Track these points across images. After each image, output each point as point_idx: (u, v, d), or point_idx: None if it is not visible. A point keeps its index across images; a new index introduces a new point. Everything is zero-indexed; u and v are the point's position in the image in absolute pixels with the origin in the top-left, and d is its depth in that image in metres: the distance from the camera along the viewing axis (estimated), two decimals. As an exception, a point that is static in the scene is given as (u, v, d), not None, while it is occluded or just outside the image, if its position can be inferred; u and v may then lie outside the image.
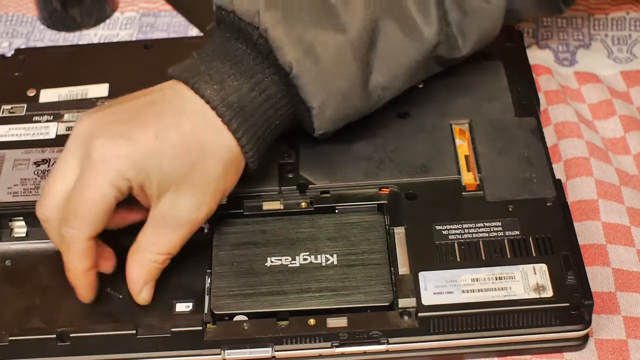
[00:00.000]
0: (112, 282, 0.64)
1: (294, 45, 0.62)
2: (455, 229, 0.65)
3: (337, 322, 0.61)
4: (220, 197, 0.63)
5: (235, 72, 0.62)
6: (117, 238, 0.64)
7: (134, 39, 0.87)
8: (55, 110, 0.75)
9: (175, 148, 0.60)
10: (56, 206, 0.61)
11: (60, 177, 0.61)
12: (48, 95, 0.76)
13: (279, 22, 0.62)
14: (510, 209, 0.66)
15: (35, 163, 0.70)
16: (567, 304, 0.60)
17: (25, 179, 0.69)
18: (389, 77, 0.66)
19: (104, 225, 0.60)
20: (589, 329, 0.62)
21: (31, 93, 0.77)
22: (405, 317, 0.61)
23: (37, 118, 0.74)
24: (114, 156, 0.59)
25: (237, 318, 0.62)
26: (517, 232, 0.64)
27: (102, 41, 0.87)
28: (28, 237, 0.68)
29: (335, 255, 0.64)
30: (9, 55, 0.81)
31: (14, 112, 0.75)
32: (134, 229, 0.63)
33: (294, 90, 0.63)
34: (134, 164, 0.59)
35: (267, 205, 0.67)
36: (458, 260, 0.63)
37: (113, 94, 0.76)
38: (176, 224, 0.61)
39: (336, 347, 0.61)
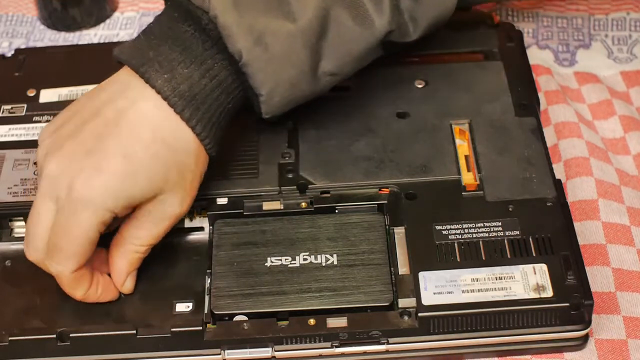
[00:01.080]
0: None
1: (244, 34, 0.62)
2: (455, 229, 0.65)
3: (337, 322, 0.61)
4: (198, 183, 0.64)
5: (185, 59, 0.62)
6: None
7: (134, 39, 0.87)
8: (55, 110, 0.74)
9: (144, 160, 0.60)
10: (44, 247, 0.61)
11: (41, 220, 0.61)
12: (48, 95, 0.76)
13: (230, 8, 0.61)
14: (510, 209, 0.66)
15: (35, 163, 0.70)
16: (567, 304, 0.60)
17: (25, 179, 0.69)
18: (338, 64, 0.66)
19: (90, 255, 0.61)
20: (589, 329, 0.62)
21: (31, 93, 0.77)
22: (405, 317, 0.61)
23: (37, 118, 0.74)
24: (91, 192, 0.59)
25: (237, 318, 0.62)
26: (517, 232, 0.64)
27: (102, 41, 0.87)
28: (28, 237, 0.68)
29: (335, 255, 0.64)
30: (9, 55, 0.81)
31: (14, 112, 0.75)
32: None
33: (244, 77, 0.63)
34: (112, 194, 0.60)
35: (267, 205, 0.67)
36: (458, 260, 0.63)
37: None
38: (161, 218, 0.62)
39: (336, 347, 0.61)
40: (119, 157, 0.60)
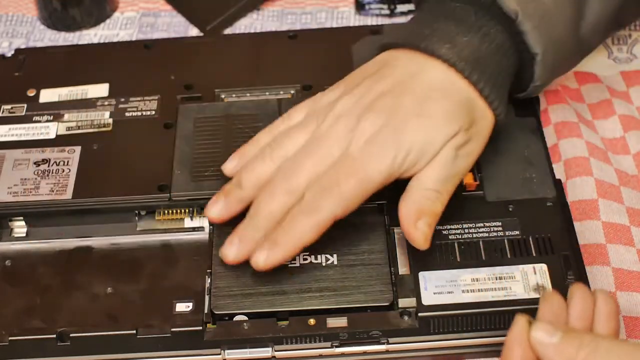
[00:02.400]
0: (112, 282, 0.64)
1: None
2: (455, 229, 0.65)
3: (337, 322, 0.61)
4: (483, 146, 0.65)
5: (461, 30, 0.64)
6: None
7: (134, 39, 0.87)
8: (55, 110, 0.75)
9: (439, 118, 0.62)
10: (310, 183, 0.61)
11: (322, 159, 0.62)
12: (48, 95, 0.76)
13: None
14: (510, 209, 0.66)
15: (35, 163, 0.70)
16: (567, 304, 0.60)
17: (25, 179, 0.69)
18: (595, 23, 0.67)
19: (352, 210, 0.62)
20: (589, 329, 0.62)
21: (31, 93, 0.77)
22: (405, 317, 0.61)
23: (37, 118, 0.74)
24: (390, 147, 0.61)
25: (237, 318, 0.62)
26: (517, 232, 0.64)
27: (102, 41, 0.87)
28: (28, 237, 0.68)
29: (335, 255, 0.64)
30: (9, 55, 0.81)
31: (14, 112, 0.75)
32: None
33: (519, 38, 0.64)
34: (409, 146, 0.61)
35: (267, 205, 0.67)
36: (458, 260, 0.63)
37: (113, 94, 0.76)
38: (449, 162, 0.63)
39: (336, 347, 0.61)
40: (418, 117, 0.61)
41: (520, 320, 0.54)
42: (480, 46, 0.64)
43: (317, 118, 0.64)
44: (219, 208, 0.64)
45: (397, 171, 0.62)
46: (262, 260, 0.61)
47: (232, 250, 0.62)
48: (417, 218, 0.61)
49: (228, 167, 0.66)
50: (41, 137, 0.73)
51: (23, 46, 0.87)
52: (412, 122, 0.62)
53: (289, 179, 0.62)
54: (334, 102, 0.64)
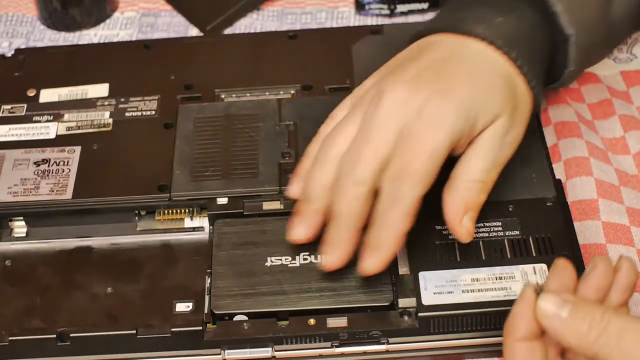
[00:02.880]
0: (112, 282, 0.64)
1: None
2: (455, 229, 0.65)
3: (337, 322, 0.61)
4: (525, 126, 0.64)
5: (495, 12, 0.64)
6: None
7: (134, 39, 0.87)
8: (55, 110, 0.75)
9: (487, 88, 0.61)
10: (379, 171, 0.60)
11: (382, 144, 0.60)
12: (48, 95, 0.76)
13: None
14: (510, 209, 0.66)
15: (35, 163, 0.70)
16: (567, 304, 0.60)
17: (25, 179, 0.69)
18: (624, 11, 0.67)
19: (432, 184, 0.60)
20: (589, 328, 0.62)
21: (31, 93, 0.77)
22: (405, 317, 0.61)
23: (37, 118, 0.74)
24: (444, 113, 0.60)
25: (237, 318, 0.62)
26: (517, 232, 0.64)
27: (102, 41, 0.87)
28: (28, 237, 0.68)
29: (335, 255, 0.64)
30: (9, 55, 0.81)
31: (14, 112, 0.75)
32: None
33: (551, 19, 0.65)
34: (463, 114, 0.60)
35: (267, 205, 0.67)
36: (458, 260, 0.63)
37: (113, 94, 0.76)
38: (493, 147, 0.62)
39: (336, 347, 0.61)
40: (465, 82, 0.61)
41: (527, 290, 0.53)
42: (515, 25, 0.64)
43: (361, 106, 0.62)
44: (300, 228, 0.63)
45: (460, 134, 0.60)
46: (371, 266, 0.60)
47: (330, 258, 0.61)
48: (463, 213, 0.61)
49: (294, 191, 0.64)
50: (41, 137, 0.73)
51: (23, 46, 0.87)
52: (462, 86, 0.61)
53: (354, 170, 0.60)
54: (375, 85, 0.63)
